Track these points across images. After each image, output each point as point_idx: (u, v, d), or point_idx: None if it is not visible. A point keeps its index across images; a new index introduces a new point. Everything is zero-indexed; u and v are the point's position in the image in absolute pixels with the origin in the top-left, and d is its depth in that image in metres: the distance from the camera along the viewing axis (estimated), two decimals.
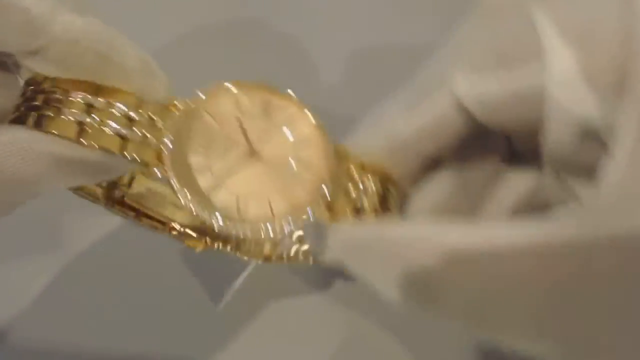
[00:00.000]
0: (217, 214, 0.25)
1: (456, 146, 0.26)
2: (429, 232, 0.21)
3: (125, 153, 0.24)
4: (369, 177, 0.27)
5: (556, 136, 0.21)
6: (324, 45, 0.46)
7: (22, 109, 0.24)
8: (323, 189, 0.26)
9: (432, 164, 0.27)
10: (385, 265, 0.23)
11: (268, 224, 0.25)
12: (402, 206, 0.29)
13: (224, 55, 0.45)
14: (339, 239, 0.26)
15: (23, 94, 0.25)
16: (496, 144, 0.27)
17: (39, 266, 0.38)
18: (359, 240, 0.24)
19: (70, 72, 0.24)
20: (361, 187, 0.27)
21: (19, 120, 0.24)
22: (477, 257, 0.19)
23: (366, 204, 0.27)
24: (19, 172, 0.22)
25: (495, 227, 0.20)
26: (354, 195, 0.27)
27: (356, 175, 0.27)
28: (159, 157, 0.25)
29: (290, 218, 0.25)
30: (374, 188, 0.27)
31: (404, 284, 0.22)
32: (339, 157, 0.27)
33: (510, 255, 0.19)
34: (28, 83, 0.25)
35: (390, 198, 0.28)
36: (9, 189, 0.23)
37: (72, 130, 0.24)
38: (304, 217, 0.26)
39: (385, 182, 0.28)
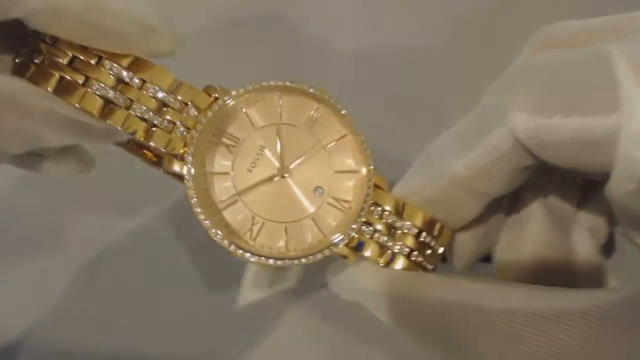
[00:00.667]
0: (216, 231, 0.22)
1: (521, 182, 0.23)
2: (467, 295, 0.20)
3: (150, 142, 0.23)
4: (407, 218, 0.24)
5: (618, 187, 0.19)
6: (328, 44, 0.45)
7: (43, 62, 0.22)
8: (351, 226, 0.23)
9: (491, 204, 0.24)
10: (414, 323, 0.22)
11: (277, 261, 0.23)
12: (449, 250, 0.26)
13: (231, 54, 0.43)
14: (355, 288, 0.24)
15: (39, 41, 0.22)
16: (569, 175, 0.25)
17: (39, 266, 0.37)
18: (390, 294, 0.23)
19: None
20: (395, 229, 0.24)
21: (38, 75, 0.22)
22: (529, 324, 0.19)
23: (397, 247, 0.24)
24: (24, 127, 0.21)
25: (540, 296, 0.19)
26: (384, 236, 0.24)
27: (391, 216, 0.24)
28: (185, 146, 0.23)
29: (303, 259, 0.23)
30: (410, 231, 0.24)
31: (434, 343, 0.21)
32: (377, 194, 0.24)
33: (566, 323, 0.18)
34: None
35: (432, 242, 0.25)
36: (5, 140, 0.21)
37: (96, 106, 0.22)
38: (319, 256, 0.23)
39: (429, 225, 0.24)
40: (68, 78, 0.22)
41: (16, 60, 0.22)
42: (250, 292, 0.37)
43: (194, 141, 0.23)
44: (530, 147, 0.20)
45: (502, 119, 0.20)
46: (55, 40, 0.22)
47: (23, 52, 0.22)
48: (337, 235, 0.23)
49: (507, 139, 0.21)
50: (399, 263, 0.24)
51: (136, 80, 0.23)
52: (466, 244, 0.26)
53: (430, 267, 0.25)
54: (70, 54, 0.22)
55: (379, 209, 0.24)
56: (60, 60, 0.22)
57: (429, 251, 0.25)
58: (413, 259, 0.24)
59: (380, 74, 0.45)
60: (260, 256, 0.22)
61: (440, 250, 0.25)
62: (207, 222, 0.22)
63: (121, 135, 0.23)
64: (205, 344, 0.36)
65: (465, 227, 0.26)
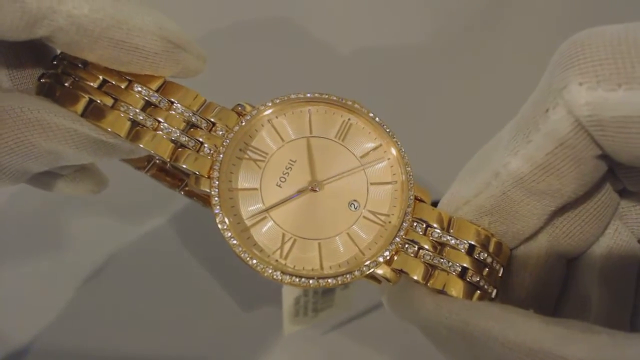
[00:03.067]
0: (244, 250, 0.21)
1: (594, 179, 0.20)
2: (538, 339, 0.17)
3: (177, 163, 0.22)
4: (457, 234, 0.22)
5: None
6: (329, 45, 0.45)
7: (72, 85, 0.22)
8: (392, 242, 0.21)
9: (554, 214, 0.21)
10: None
11: (310, 280, 0.21)
12: (506, 268, 0.23)
13: (234, 56, 0.44)
14: (409, 312, 0.22)
15: (69, 64, 0.22)
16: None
17: (38, 266, 0.38)
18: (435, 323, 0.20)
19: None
20: (443, 245, 0.22)
21: (66, 97, 0.22)
22: None
23: (447, 265, 0.22)
24: (54, 149, 0.21)
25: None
26: (430, 253, 0.22)
27: (437, 231, 0.22)
28: (212, 167, 0.22)
29: (339, 279, 0.21)
30: (461, 247, 0.22)
31: None
32: (420, 208, 0.22)
33: None
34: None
35: (489, 259, 0.22)
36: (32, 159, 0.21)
37: (124, 129, 0.22)
38: (357, 274, 0.21)
39: (483, 240, 0.22)
40: (97, 101, 0.22)
41: (41, 81, 0.22)
42: (293, 322, 0.35)
43: (220, 157, 0.22)
44: (590, 131, 0.17)
45: (559, 95, 0.18)
46: (85, 64, 0.22)
47: (49, 73, 0.23)
48: (376, 252, 0.22)
49: (566, 120, 0.18)
50: (454, 286, 0.21)
51: (165, 102, 0.22)
52: (525, 265, 0.22)
53: (491, 290, 0.22)
54: (100, 77, 0.22)
55: (423, 224, 0.22)
56: (90, 84, 0.22)
57: (485, 270, 0.22)
58: (468, 279, 0.22)
59: (380, 74, 0.44)
60: (292, 276, 0.21)
61: (501, 269, 0.22)
62: (235, 240, 0.21)
63: (144, 152, 0.23)
64: (209, 347, 0.36)
65: (526, 243, 0.22)
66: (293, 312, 0.35)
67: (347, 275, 0.21)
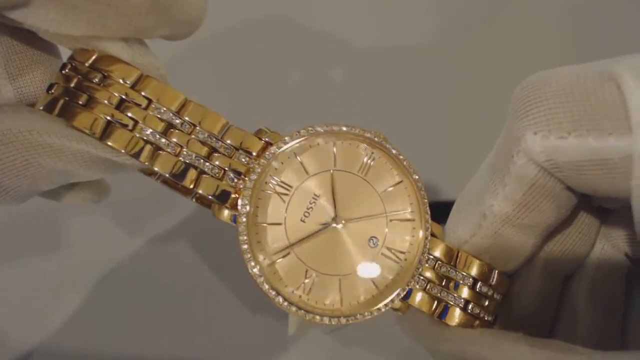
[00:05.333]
0: (270, 287, 0.22)
1: (573, 205, 0.21)
2: None
3: (199, 190, 0.22)
4: (462, 268, 0.23)
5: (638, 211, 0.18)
6: (332, 46, 0.45)
7: (88, 104, 0.21)
8: (407, 281, 0.23)
9: (545, 240, 0.23)
10: None
11: (332, 319, 0.22)
12: (506, 299, 0.24)
13: (238, 56, 0.42)
14: (412, 332, 0.23)
15: (84, 79, 0.21)
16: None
17: (40, 269, 0.38)
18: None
19: (71, 15, 0.19)
20: (449, 279, 0.23)
21: (83, 119, 0.21)
22: None
23: (451, 299, 0.23)
24: (66, 169, 0.21)
25: None
26: (437, 287, 0.23)
27: (444, 265, 0.23)
28: (237, 199, 0.22)
29: (359, 316, 0.22)
30: (465, 281, 0.23)
31: None
32: (431, 242, 0.23)
33: None
34: (95, 63, 0.21)
35: (489, 291, 0.24)
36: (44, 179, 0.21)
37: (146, 154, 0.21)
38: (376, 313, 0.22)
39: (486, 274, 0.23)
40: (115, 123, 0.21)
41: (51, 92, 0.21)
42: (299, 325, 0.37)
43: (248, 192, 0.22)
44: (551, 172, 0.19)
45: (518, 144, 0.19)
46: (102, 80, 0.21)
47: (61, 87, 0.21)
48: (393, 290, 0.22)
49: (529, 165, 0.19)
50: (454, 316, 0.23)
51: (186, 126, 0.22)
52: (523, 288, 0.24)
53: (489, 318, 0.24)
54: (117, 95, 0.21)
55: (432, 257, 0.23)
56: (106, 102, 0.21)
57: (486, 302, 0.24)
58: (469, 311, 0.23)
59: (380, 74, 0.45)
60: (314, 314, 0.22)
61: (499, 298, 0.24)
62: (261, 278, 0.21)
63: None
64: (211, 348, 0.37)
65: (523, 267, 0.24)
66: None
67: (366, 314, 0.22)
